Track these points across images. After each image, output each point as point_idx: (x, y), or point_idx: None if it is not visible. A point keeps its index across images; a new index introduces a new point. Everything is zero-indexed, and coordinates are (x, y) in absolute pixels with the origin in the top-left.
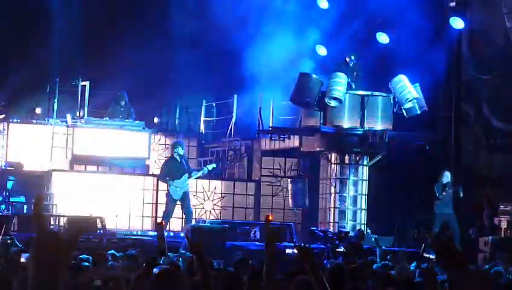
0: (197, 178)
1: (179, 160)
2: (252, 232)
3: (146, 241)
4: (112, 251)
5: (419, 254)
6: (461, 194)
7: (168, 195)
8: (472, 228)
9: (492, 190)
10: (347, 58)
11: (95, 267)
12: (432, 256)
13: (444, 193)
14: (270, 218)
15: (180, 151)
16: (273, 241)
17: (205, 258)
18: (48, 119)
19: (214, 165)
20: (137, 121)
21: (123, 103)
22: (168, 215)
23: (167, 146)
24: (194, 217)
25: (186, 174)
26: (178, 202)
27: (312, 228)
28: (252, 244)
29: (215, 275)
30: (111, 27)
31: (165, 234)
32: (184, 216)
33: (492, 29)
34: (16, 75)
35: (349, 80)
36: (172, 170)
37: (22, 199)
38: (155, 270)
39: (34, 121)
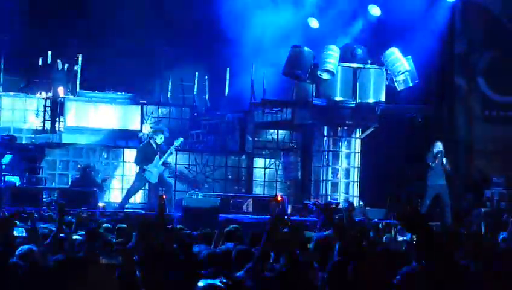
0: (169, 155)
1: (154, 147)
2: (245, 205)
3: (138, 214)
4: (106, 225)
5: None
6: (448, 168)
7: (142, 177)
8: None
9: (488, 163)
10: (358, 50)
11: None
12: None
13: (436, 161)
14: (279, 199)
15: (158, 140)
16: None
17: None
18: (40, 92)
19: (180, 139)
20: (129, 94)
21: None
22: (133, 192)
23: (159, 119)
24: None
25: (158, 156)
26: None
27: (305, 201)
28: (245, 217)
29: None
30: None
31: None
32: (164, 191)
33: (487, 0)
34: (8, 48)
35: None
36: (147, 155)
37: (16, 178)
38: None
39: (27, 94)
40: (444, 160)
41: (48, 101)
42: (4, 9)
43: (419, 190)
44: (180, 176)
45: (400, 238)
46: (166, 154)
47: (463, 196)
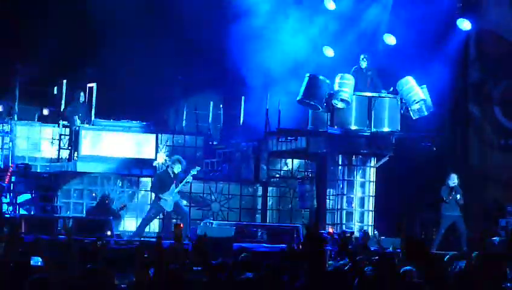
0: (185, 184)
1: (172, 175)
2: (259, 233)
3: (153, 243)
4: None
5: None
6: (461, 202)
7: (158, 205)
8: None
9: (503, 191)
10: (361, 63)
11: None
12: None
13: (450, 197)
14: (181, 226)
15: (176, 169)
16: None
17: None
18: (55, 121)
19: (197, 168)
20: (144, 123)
21: (82, 100)
22: (149, 220)
23: (174, 148)
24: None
25: (174, 185)
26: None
27: (320, 231)
28: (259, 246)
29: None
30: (119, 28)
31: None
32: (180, 219)
33: (502, 29)
34: (23, 76)
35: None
36: (163, 183)
37: (28, 196)
38: None
39: (41, 123)
40: (458, 196)
41: (63, 129)
42: None
43: (433, 219)
44: (196, 200)
45: None
46: (182, 183)
47: (478, 225)
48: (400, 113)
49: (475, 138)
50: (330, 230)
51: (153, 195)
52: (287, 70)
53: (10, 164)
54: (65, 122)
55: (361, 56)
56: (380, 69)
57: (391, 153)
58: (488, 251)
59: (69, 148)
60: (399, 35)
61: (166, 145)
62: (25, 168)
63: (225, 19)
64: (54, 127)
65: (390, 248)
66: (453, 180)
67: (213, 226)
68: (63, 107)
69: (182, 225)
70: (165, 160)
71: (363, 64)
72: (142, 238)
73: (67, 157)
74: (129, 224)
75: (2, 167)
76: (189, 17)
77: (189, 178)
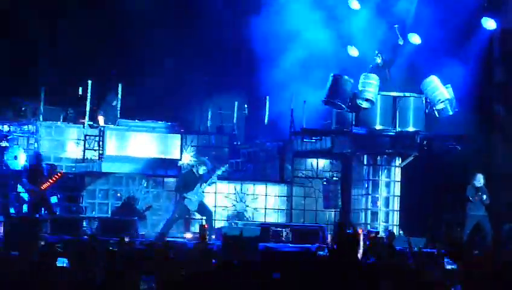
0: (210, 184)
1: (197, 175)
2: (284, 233)
3: (178, 243)
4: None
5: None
6: (487, 202)
7: (183, 206)
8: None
9: None
10: (377, 59)
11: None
12: None
13: (476, 197)
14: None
15: (201, 171)
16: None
17: None
18: (81, 121)
19: (223, 168)
20: (169, 123)
21: (114, 104)
22: (173, 221)
23: (199, 148)
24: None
25: (199, 184)
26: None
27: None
28: (284, 246)
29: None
30: (144, 28)
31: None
32: (205, 219)
33: None
34: (48, 76)
35: (382, 83)
36: (188, 183)
37: (55, 199)
38: None
39: (66, 124)
40: (484, 196)
41: (89, 130)
42: None
43: (458, 219)
44: None
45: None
46: (207, 182)
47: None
48: (425, 112)
49: (500, 138)
50: (360, 231)
51: (178, 195)
52: (312, 70)
53: (59, 171)
54: (90, 123)
55: (376, 52)
56: (404, 69)
57: (416, 152)
58: None
59: (97, 149)
60: (424, 34)
61: (192, 146)
62: (51, 168)
63: (250, 19)
64: (79, 127)
65: (416, 248)
66: (479, 180)
67: (238, 226)
68: (88, 107)
69: (206, 225)
70: (190, 160)
71: (378, 60)
72: (166, 239)
73: (93, 157)
74: (154, 225)
75: (27, 167)
76: (213, 17)
77: (214, 178)
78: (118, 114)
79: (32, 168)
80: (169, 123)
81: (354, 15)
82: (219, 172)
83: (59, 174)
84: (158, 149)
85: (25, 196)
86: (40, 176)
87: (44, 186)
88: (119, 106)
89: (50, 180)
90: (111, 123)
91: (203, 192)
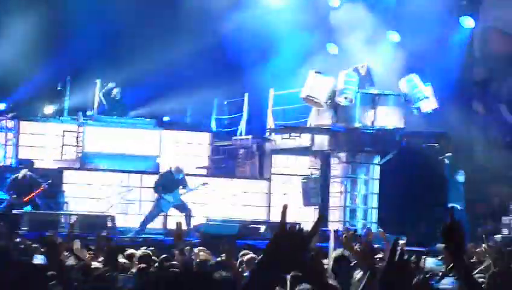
0: (189, 191)
1: (175, 178)
2: (263, 230)
3: (156, 240)
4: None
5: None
6: (462, 179)
7: (160, 203)
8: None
9: (508, 190)
10: (361, 70)
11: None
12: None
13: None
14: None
15: (178, 176)
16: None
17: None
18: (59, 118)
19: (207, 183)
20: (148, 119)
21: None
22: (151, 217)
23: (177, 144)
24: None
25: (178, 189)
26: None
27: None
28: (263, 243)
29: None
30: (127, 28)
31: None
32: (184, 215)
33: (508, 26)
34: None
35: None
36: (166, 184)
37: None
38: None
39: (45, 119)
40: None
41: (68, 125)
42: None
43: (438, 216)
44: None
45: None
46: (187, 190)
47: (482, 222)
48: (404, 110)
49: (480, 136)
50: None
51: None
52: (291, 68)
53: (43, 184)
54: (67, 118)
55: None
56: (384, 67)
57: (395, 150)
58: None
59: (76, 144)
60: (403, 32)
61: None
62: (29, 164)
63: (229, 14)
64: (58, 122)
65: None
66: (461, 176)
67: (217, 223)
68: (66, 103)
69: (182, 222)
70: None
71: (362, 71)
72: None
73: (72, 153)
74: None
75: (4, 164)
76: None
77: (195, 189)
78: (125, 106)
79: (18, 181)
80: (148, 119)
81: (335, 12)
82: (200, 186)
83: (41, 188)
84: (137, 145)
85: (5, 196)
86: (23, 188)
87: (26, 199)
88: (96, 100)
89: (33, 193)
90: (118, 116)
91: (181, 196)
